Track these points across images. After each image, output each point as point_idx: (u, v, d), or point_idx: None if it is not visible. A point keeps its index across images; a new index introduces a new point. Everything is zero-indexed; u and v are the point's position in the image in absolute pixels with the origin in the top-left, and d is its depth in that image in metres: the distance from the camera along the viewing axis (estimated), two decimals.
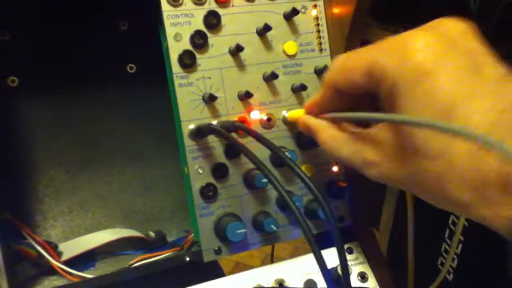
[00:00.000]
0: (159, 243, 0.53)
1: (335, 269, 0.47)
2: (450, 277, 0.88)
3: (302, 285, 0.50)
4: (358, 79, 0.32)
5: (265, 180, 0.46)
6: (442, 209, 0.31)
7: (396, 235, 0.96)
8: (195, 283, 0.48)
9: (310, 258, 0.52)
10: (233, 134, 0.45)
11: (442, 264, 0.87)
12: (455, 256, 0.80)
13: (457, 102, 0.27)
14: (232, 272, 0.50)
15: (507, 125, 0.25)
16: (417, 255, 0.74)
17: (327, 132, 0.38)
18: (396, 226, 0.97)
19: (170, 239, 0.56)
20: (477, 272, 0.77)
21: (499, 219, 0.26)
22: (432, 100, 0.28)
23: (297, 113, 0.47)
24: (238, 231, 0.45)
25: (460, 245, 0.78)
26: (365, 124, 0.35)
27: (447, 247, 0.84)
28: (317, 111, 0.40)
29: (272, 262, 0.52)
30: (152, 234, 0.54)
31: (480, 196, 0.26)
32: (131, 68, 0.56)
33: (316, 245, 0.33)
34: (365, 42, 0.51)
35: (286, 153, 0.44)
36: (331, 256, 0.40)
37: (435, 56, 0.28)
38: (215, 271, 0.72)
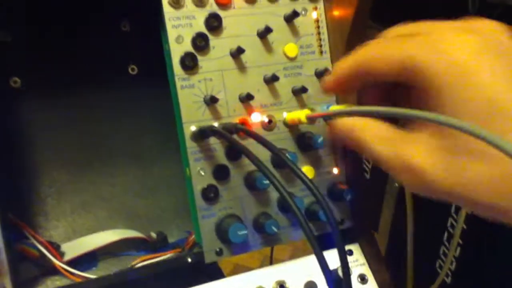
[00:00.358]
0: (161, 244, 0.53)
1: (335, 270, 0.48)
2: (449, 280, 0.88)
3: (302, 286, 0.50)
4: (390, 68, 0.31)
5: (266, 181, 0.46)
6: (495, 220, 0.28)
7: (395, 237, 0.96)
8: (195, 285, 0.48)
9: (310, 259, 0.52)
10: (235, 136, 0.46)
11: (440, 267, 0.87)
12: (453, 259, 0.80)
13: (500, 99, 0.26)
14: (231, 273, 0.51)
15: None
16: (415, 258, 0.74)
17: (366, 127, 0.34)
18: (395, 229, 0.98)
19: (171, 240, 0.56)
20: (475, 275, 0.77)
21: None
22: (474, 97, 0.27)
23: (296, 115, 0.48)
24: (240, 233, 0.45)
25: (459, 248, 0.78)
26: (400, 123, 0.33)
27: (445, 250, 0.84)
28: (335, 88, 0.38)
29: (271, 264, 0.52)
30: (153, 235, 0.54)
31: None
32: (132, 69, 0.56)
33: (318, 246, 0.33)
34: None
35: (287, 155, 0.44)
36: (331, 258, 0.41)
37: (476, 53, 0.27)
38: (215, 273, 0.73)
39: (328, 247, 0.47)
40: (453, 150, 0.28)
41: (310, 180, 0.36)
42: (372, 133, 0.33)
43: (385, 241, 0.95)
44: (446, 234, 0.82)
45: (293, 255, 0.52)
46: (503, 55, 0.27)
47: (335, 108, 0.42)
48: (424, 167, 0.29)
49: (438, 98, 0.28)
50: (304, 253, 0.53)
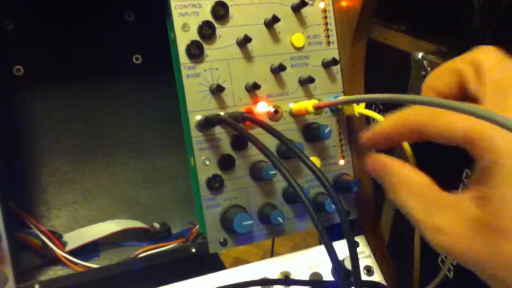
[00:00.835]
0: (164, 234, 0.53)
1: (342, 261, 0.47)
2: (451, 275, 0.88)
3: (307, 278, 0.50)
4: (451, 136, 0.29)
5: (272, 172, 0.46)
6: None
7: (397, 230, 0.96)
8: (196, 276, 0.48)
9: (314, 251, 0.52)
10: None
11: (442, 261, 0.87)
12: None
13: None
14: (231, 267, 0.50)
15: None
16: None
17: (400, 174, 0.33)
18: (397, 222, 0.97)
19: (174, 231, 0.55)
20: None
21: None
22: None
23: (303, 105, 0.47)
24: (244, 223, 0.45)
25: None
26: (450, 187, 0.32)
27: None
28: (378, 141, 0.36)
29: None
30: (156, 225, 0.54)
31: None
32: (137, 59, 0.56)
33: (327, 235, 0.33)
34: (371, 42, 0.51)
35: (295, 144, 0.44)
36: (336, 250, 0.40)
37: None
38: (216, 265, 0.72)
39: (334, 239, 0.47)
40: (498, 228, 0.27)
41: (319, 170, 0.36)
42: (406, 183, 0.32)
43: (387, 234, 0.94)
44: None
45: (294, 250, 0.52)
46: None
47: (343, 98, 0.42)
48: (458, 236, 0.28)
49: (498, 181, 0.27)
50: (305, 247, 0.52)
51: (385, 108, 0.97)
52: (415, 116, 0.32)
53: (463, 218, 0.29)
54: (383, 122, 0.35)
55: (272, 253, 0.96)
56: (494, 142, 0.27)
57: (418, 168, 0.34)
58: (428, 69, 0.86)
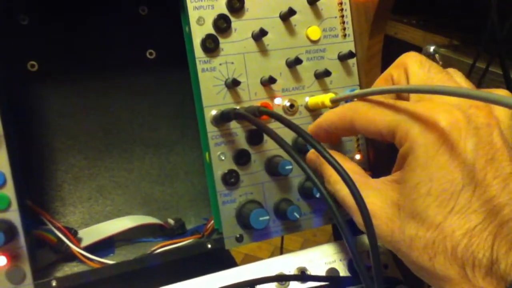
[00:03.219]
0: (179, 230, 0.53)
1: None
2: None
3: (324, 273, 0.49)
4: (380, 132, 0.33)
5: (289, 167, 0.45)
6: (419, 277, 0.32)
7: None
8: (209, 273, 0.47)
9: (330, 247, 0.51)
10: None
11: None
12: None
13: (464, 185, 0.28)
14: (241, 264, 0.50)
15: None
16: None
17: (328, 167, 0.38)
18: None
19: (188, 227, 0.55)
20: None
21: None
22: (442, 176, 0.29)
23: (319, 98, 0.47)
24: (261, 218, 0.44)
25: None
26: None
27: None
28: (319, 135, 0.42)
29: (281, 254, 0.51)
30: (171, 221, 0.54)
31: (463, 274, 0.28)
32: (150, 54, 0.55)
33: (348, 229, 0.32)
34: (388, 38, 0.51)
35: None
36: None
37: (458, 136, 0.29)
38: (228, 262, 0.72)
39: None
40: (406, 211, 0.31)
41: (339, 163, 0.35)
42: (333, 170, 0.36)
43: None
44: None
45: (303, 247, 0.51)
46: (484, 146, 0.29)
47: (360, 91, 0.41)
48: (376, 213, 0.33)
49: (412, 166, 0.30)
50: (315, 244, 0.52)
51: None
52: (348, 111, 0.37)
53: (385, 202, 0.33)
54: (323, 116, 0.41)
55: (281, 250, 0.95)
56: (411, 132, 0.30)
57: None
58: (440, 63, 0.85)
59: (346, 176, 0.33)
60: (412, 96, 0.34)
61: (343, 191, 0.36)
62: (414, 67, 0.35)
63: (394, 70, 0.37)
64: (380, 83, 0.38)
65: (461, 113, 0.29)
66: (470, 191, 0.28)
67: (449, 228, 0.28)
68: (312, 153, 0.43)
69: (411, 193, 0.30)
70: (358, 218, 0.34)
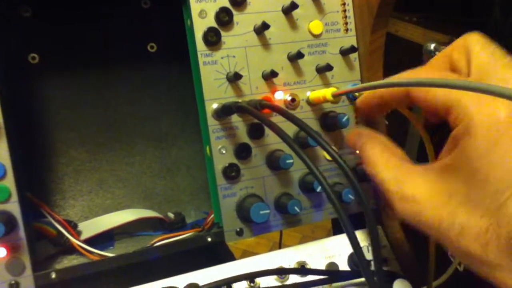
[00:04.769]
0: (179, 224, 0.53)
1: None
2: (461, 268, 0.87)
3: (323, 268, 0.49)
4: (436, 105, 0.32)
5: (290, 161, 0.45)
6: (466, 265, 0.31)
7: (405, 224, 0.95)
8: (208, 266, 0.47)
9: (330, 241, 0.52)
10: None
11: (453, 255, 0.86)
12: None
13: None
14: (240, 259, 0.50)
15: None
16: (426, 245, 0.74)
17: (376, 147, 0.36)
18: None
19: (188, 220, 0.55)
20: None
21: None
22: (502, 165, 0.27)
23: (321, 93, 0.47)
24: (262, 212, 0.44)
25: None
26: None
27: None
28: (372, 104, 0.40)
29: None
30: (171, 215, 0.54)
31: (509, 261, 0.27)
32: (152, 47, 0.55)
33: (349, 223, 0.32)
34: (389, 36, 0.51)
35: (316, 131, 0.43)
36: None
37: None
38: (226, 256, 0.72)
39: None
40: (458, 197, 0.29)
41: (341, 157, 0.35)
42: (375, 152, 0.35)
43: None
44: None
45: (302, 243, 0.51)
46: None
47: (362, 85, 0.41)
48: (421, 200, 0.31)
49: (470, 149, 0.29)
50: (313, 239, 0.52)
51: None
52: (410, 90, 0.35)
53: (431, 188, 0.31)
54: (353, 89, 0.39)
55: (280, 245, 0.95)
56: (469, 110, 0.29)
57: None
58: None
59: (344, 163, 0.33)
60: (474, 77, 0.32)
61: (383, 175, 0.34)
62: (476, 48, 0.33)
63: (454, 51, 0.34)
64: (437, 63, 0.36)
65: None
66: None
67: (504, 217, 0.27)
68: (353, 133, 0.40)
69: (466, 180, 0.29)
70: (399, 204, 0.32)
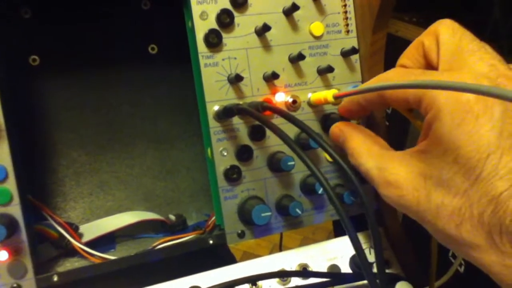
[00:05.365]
0: (180, 226, 0.53)
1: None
2: (462, 269, 0.87)
3: (325, 270, 0.49)
4: (407, 99, 0.33)
5: (291, 162, 0.45)
6: (446, 246, 0.32)
7: (407, 226, 0.95)
8: (208, 269, 0.47)
9: (332, 244, 0.51)
10: None
11: (453, 256, 0.86)
12: None
13: (490, 153, 0.28)
14: (240, 261, 0.50)
15: None
16: (427, 247, 0.74)
17: (359, 139, 0.38)
18: (407, 217, 0.97)
19: (190, 223, 0.55)
20: None
21: (503, 268, 0.27)
22: (468, 144, 0.28)
23: (322, 94, 0.47)
24: (263, 214, 0.44)
25: None
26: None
27: None
28: (351, 109, 0.42)
29: (280, 251, 0.51)
30: (172, 217, 0.54)
31: (491, 240, 0.28)
32: (152, 48, 0.55)
33: (351, 225, 0.32)
34: (389, 36, 0.51)
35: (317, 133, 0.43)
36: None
37: (484, 105, 0.29)
38: (227, 258, 0.72)
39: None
40: (432, 179, 0.31)
41: (342, 159, 0.35)
42: (364, 146, 0.37)
43: None
44: None
45: (302, 245, 0.51)
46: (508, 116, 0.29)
47: (363, 87, 0.41)
48: (402, 184, 0.32)
49: (438, 132, 0.30)
50: (313, 242, 0.52)
51: None
52: (378, 80, 0.37)
53: (411, 172, 0.32)
54: (354, 91, 0.39)
55: (280, 247, 0.95)
56: (437, 100, 0.30)
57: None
58: None
59: (345, 165, 0.33)
60: (442, 64, 0.34)
61: (367, 165, 0.36)
62: (445, 35, 0.34)
63: (425, 38, 0.36)
64: (411, 52, 0.37)
65: (489, 82, 0.29)
66: (496, 158, 0.28)
67: (475, 194, 0.28)
68: (335, 127, 0.42)
69: (438, 162, 0.30)
70: (383, 190, 0.34)
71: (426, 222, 0.32)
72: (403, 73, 0.36)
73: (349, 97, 0.41)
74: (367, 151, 0.37)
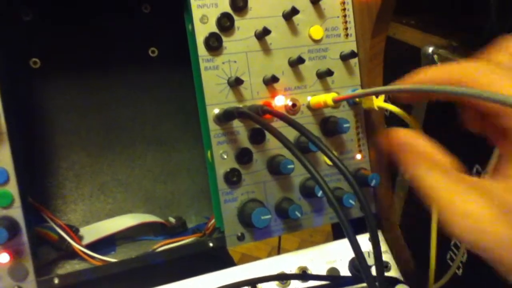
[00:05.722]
0: (180, 229, 0.53)
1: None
2: (460, 272, 0.87)
3: (325, 273, 0.49)
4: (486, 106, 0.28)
5: (291, 166, 0.45)
6: None
7: (406, 229, 0.95)
8: (208, 272, 0.47)
9: (331, 246, 0.52)
10: None
11: (451, 259, 0.87)
12: (465, 251, 0.79)
13: None
14: (238, 263, 0.50)
15: None
16: (425, 250, 0.74)
17: (424, 150, 0.31)
18: (406, 221, 0.97)
19: (189, 225, 0.55)
20: (487, 267, 0.76)
21: None
22: None
23: (321, 98, 0.47)
24: (263, 217, 0.44)
25: None
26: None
27: (457, 242, 0.83)
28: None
29: (279, 254, 0.51)
30: (172, 219, 0.54)
31: None
32: (153, 52, 0.55)
33: (351, 228, 0.32)
34: (387, 39, 0.51)
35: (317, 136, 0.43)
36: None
37: None
38: (226, 261, 0.72)
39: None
40: None
41: (341, 162, 0.35)
42: (429, 158, 0.30)
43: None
44: None
45: (300, 247, 0.52)
46: None
47: (362, 90, 0.41)
48: (486, 222, 0.27)
49: None
50: (311, 244, 0.52)
51: (394, 101, 0.97)
52: (462, 70, 0.29)
53: (491, 201, 0.27)
54: (427, 71, 0.32)
55: (279, 249, 0.95)
56: None
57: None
58: (438, 63, 0.85)
59: (345, 168, 0.33)
60: None
61: (429, 181, 0.29)
62: None
63: (500, 55, 0.30)
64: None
65: None
66: None
67: None
68: (389, 133, 0.33)
69: None
70: (457, 222, 0.28)
71: (502, 259, 0.27)
72: (493, 71, 0.28)
73: (420, 78, 0.32)
74: (434, 165, 0.30)
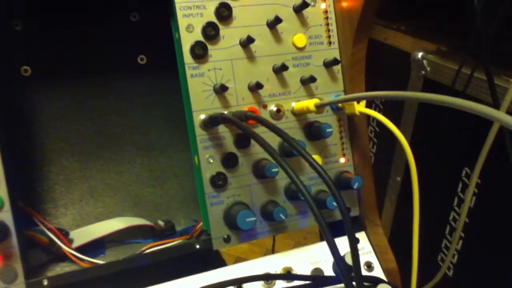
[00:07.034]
0: (168, 231, 0.54)
1: (342, 257, 0.48)
2: (450, 273, 0.89)
3: (309, 273, 0.50)
4: None
5: (275, 169, 0.47)
6: None
7: (397, 230, 0.96)
8: (199, 273, 0.49)
9: (316, 247, 0.53)
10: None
11: (442, 260, 0.88)
12: (455, 252, 0.81)
13: None
14: None
15: None
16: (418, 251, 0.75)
17: None
18: (397, 222, 0.98)
19: (178, 228, 0.56)
20: (477, 268, 0.78)
21: None
22: None
23: (304, 103, 0.48)
24: (248, 219, 0.46)
25: (461, 241, 0.79)
26: None
27: (447, 243, 0.84)
28: None
29: None
30: (161, 223, 0.55)
31: None
32: (141, 59, 0.56)
33: (329, 231, 0.34)
34: (371, 41, 0.52)
35: (298, 142, 0.45)
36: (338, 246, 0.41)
37: None
38: (218, 263, 0.73)
39: (335, 235, 0.48)
40: None
41: (321, 167, 0.37)
42: None
43: (387, 234, 0.95)
44: (448, 228, 0.83)
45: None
46: None
47: (344, 96, 0.43)
48: None
49: None
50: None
51: (385, 107, 0.98)
52: None
53: None
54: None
55: (273, 252, 0.96)
56: None
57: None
58: (428, 68, 0.87)
59: (324, 173, 0.34)
60: None
61: None
62: None
63: None
64: None
65: None
66: None
67: None
68: None
69: None
70: None
71: None
72: None
73: None
74: None
